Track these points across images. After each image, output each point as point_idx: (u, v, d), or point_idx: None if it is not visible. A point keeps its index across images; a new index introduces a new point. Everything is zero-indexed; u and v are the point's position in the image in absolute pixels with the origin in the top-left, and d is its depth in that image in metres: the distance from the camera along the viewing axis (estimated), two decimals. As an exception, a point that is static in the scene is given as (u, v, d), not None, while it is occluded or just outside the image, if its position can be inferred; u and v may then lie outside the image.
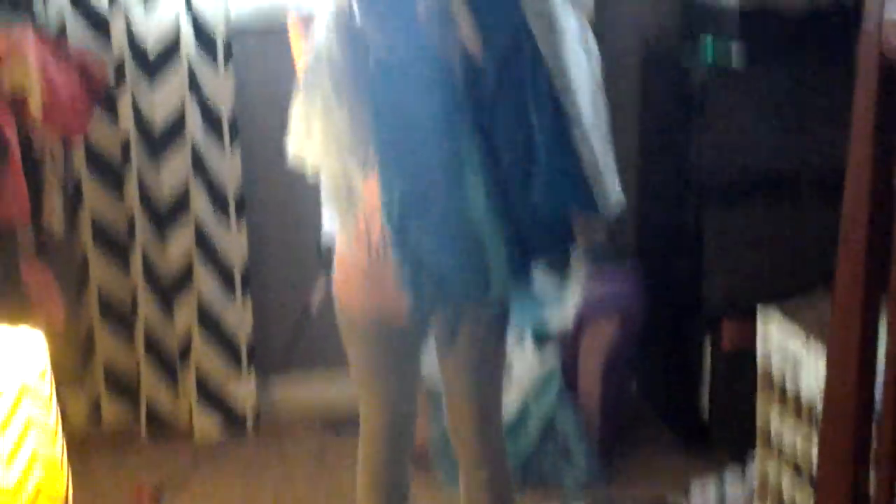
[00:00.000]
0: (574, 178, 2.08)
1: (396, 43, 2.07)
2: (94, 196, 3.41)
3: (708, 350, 3.27)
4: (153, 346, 3.51)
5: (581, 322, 3.06)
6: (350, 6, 2.07)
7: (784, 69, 3.18)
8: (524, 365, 3.16)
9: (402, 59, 2.07)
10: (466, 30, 2.05)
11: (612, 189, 2.12)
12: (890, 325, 1.63)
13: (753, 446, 2.97)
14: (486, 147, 2.05)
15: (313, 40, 2.11)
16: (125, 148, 3.35)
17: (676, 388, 3.49)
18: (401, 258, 2.08)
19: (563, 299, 2.19)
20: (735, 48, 3.17)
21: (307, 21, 2.19)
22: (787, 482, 2.83)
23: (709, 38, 3.28)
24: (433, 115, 2.05)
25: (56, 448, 1.75)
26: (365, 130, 2.07)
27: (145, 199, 3.41)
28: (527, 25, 2.05)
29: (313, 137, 2.10)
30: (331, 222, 2.29)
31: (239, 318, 3.52)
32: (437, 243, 2.07)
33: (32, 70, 2.88)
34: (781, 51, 3.19)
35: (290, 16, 2.25)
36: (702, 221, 3.23)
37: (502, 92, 2.06)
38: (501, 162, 2.07)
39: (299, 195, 3.51)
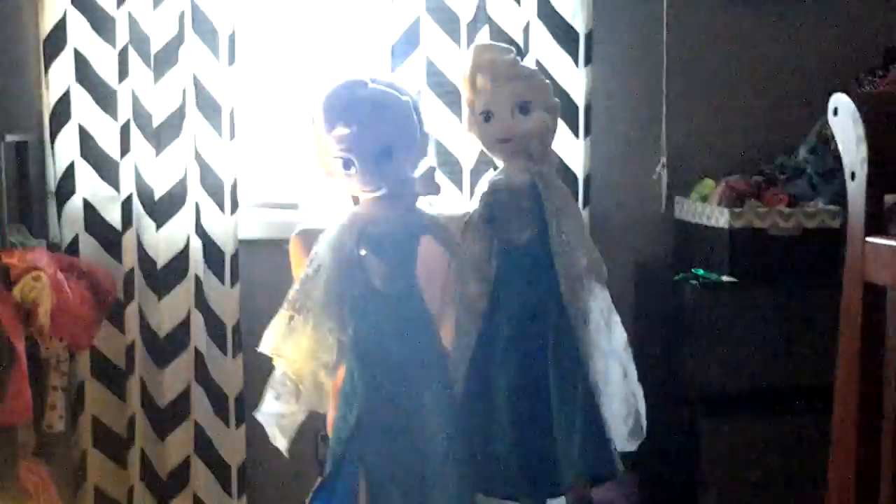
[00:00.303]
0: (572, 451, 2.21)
1: (394, 275, 2.23)
2: (97, 398, 3.46)
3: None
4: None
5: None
6: (355, 237, 2.22)
7: (774, 285, 3.29)
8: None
9: (398, 292, 2.23)
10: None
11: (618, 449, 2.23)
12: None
13: None
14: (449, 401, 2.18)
15: (314, 254, 2.24)
16: (129, 354, 3.43)
17: None
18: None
19: None
20: (726, 266, 3.29)
21: (308, 238, 2.34)
22: None
23: (700, 256, 3.42)
24: (409, 360, 2.20)
25: None
26: (342, 350, 2.22)
27: (147, 401, 3.46)
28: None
29: (292, 340, 2.23)
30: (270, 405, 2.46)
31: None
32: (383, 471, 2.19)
33: (45, 286, 2.99)
34: (771, 268, 3.30)
35: (295, 231, 2.40)
36: (696, 434, 3.28)
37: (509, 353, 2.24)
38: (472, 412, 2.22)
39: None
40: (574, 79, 3.49)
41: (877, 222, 1.69)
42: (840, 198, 3.30)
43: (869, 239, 1.67)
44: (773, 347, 3.27)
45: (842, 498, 1.74)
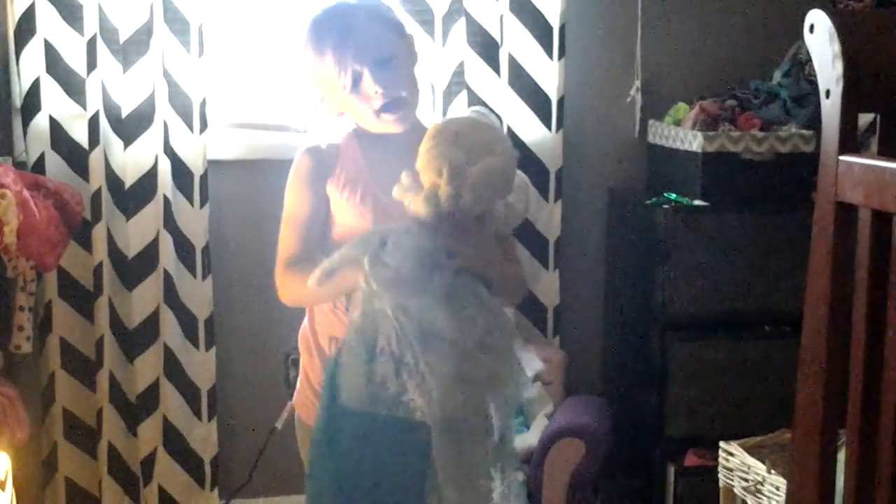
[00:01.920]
0: None
1: None
2: (64, 319, 3.44)
3: (671, 470, 3.30)
4: (116, 465, 3.49)
5: (546, 444, 3.09)
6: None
7: (746, 210, 3.29)
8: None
9: None
10: None
11: None
12: (848, 458, 1.68)
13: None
14: None
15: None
16: (97, 275, 3.40)
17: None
18: None
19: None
20: (698, 190, 3.28)
21: (318, 156, 2.26)
22: None
23: (673, 180, 3.41)
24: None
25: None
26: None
27: (115, 322, 3.43)
28: None
29: None
30: None
31: (204, 438, 3.52)
32: None
33: (11, 203, 2.94)
34: (743, 192, 3.30)
35: (303, 148, 2.30)
36: (666, 356, 3.29)
37: None
38: None
39: (268, 320, 3.58)
40: (549, 1, 3.45)
41: (851, 141, 1.67)
42: (813, 122, 3.29)
43: (842, 157, 1.66)
44: (744, 272, 3.28)
45: (810, 418, 1.75)
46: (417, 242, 2.08)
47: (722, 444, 2.95)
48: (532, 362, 2.17)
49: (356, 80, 2.18)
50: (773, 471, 2.73)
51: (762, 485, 2.75)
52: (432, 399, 2.04)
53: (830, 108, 1.69)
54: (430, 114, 3.47)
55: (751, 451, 2.87)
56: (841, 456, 1.73)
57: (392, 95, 2.20)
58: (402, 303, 2.05)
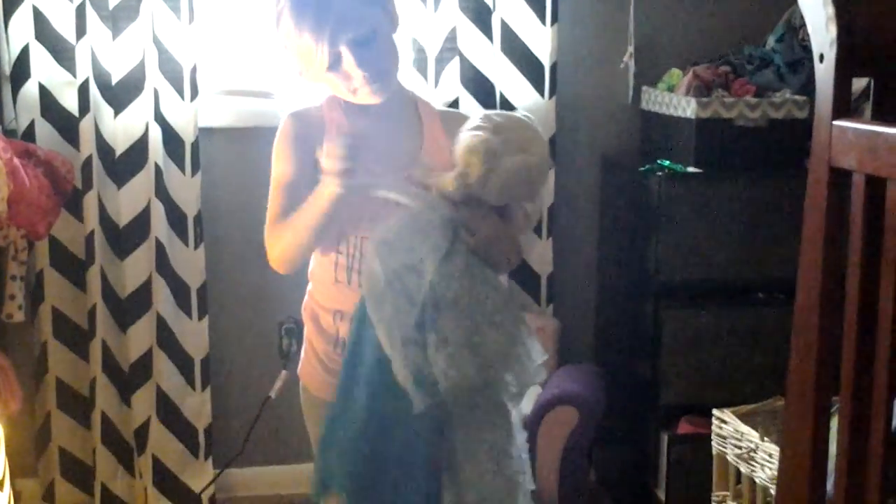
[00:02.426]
0: None
1: None
2: (56, 288, 3.42)
3: (665, 438, 3.31)
4: (110, 434, 3.49)
5: (540, 411, 3.09)
6: None
7: (739, 177, 3.28)
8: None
9: None
10: None
11: None
12: (840, 425, 1.68)
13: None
14: None
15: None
16: (89, 244, 3.38)
17: (634, 476, 3.51)
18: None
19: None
20: (691, 157, 3.27)
21: (301, 120, 2.24)
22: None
23: (666, 147, 3.40)
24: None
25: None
26: None
27: (108, 291, 3.42)
28: None
29: None
30: None
31: (198, 407, 3.51)
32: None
33: (1, 172, 2.92)
34: (736, 159, 3.29)
35: (287, 113, 2.28)
36: (659, 324, 3.29)
37: None
38: None
39: (261, 289, 3.57)
40: (542, -36, 3.43)
41: (844, 105, 1.66)
42: (807, 88, 3.28)
43: (836, 122, 1.64)
44: (738, 238, 3.28)
45: (802, 385, 1.74)
46: (441, 214, 2.10)
47: (715, 411, 2.96)
48: (538, 352, 2.19)
49: (335, 61, 2.15)
50: (766, 438, 2.74)
51: (755, 452, 2.76)
52: (449, 363, 2.05)
53: (824, 73, 1.68)
54: (422, 81, 3.44)
55: (744, 418, 2.88)
56: (834, 423, 1.72)
57: (373, 74, 2.17)
58: (419, 267, 2.06)
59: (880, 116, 1.72)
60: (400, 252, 2.08)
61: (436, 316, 2.07)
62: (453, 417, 2.12)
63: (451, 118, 2.36)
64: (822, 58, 1.68)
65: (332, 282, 2.26)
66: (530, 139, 2.15)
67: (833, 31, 1.64)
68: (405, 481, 2.12)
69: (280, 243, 2.22)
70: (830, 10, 1.63)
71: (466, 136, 2.12)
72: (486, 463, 2.14)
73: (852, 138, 1.61)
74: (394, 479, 2.12)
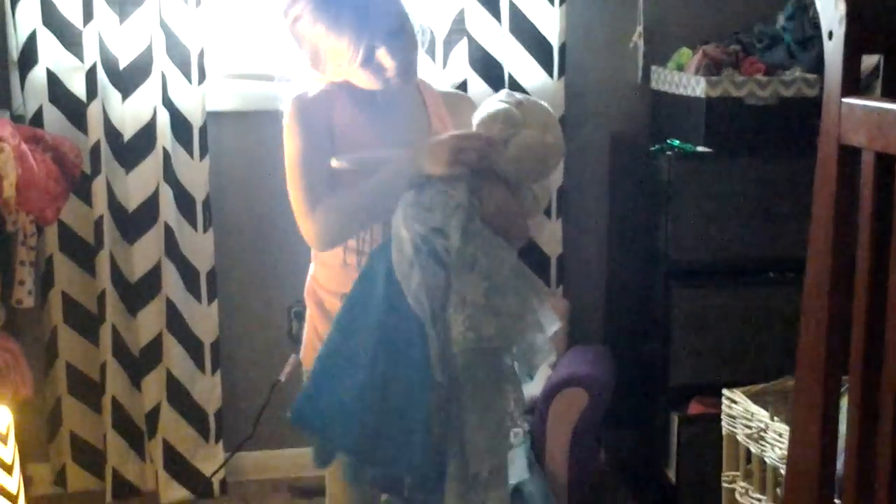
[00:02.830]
0: None
1: None
2: (66, 273, 3.43)
3: (675, 419, 3.30)
4: (120, 419, 3.50)
5: (550, 393, 3.09)
6: None
7: (749, 156, 3.26)
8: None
9: None
10: None
11: None
12: (850, 405, 1.67)
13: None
14: None
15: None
16: (98, 229, 3.38)
17: (644, 457, 3.51)
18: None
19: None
20: (702, 136, 3.25)
21: (305, 104, 2.23)
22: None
23: (676, 127, 3.38)
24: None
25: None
26: None
27: (117, 276, 3.42)
28: None
29: None
30: None
31: (208, 391, 3.52)
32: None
33: (9, 157, 2.92)
34: (747, 138, 3.27)
35: (293, 97, 2.26)
36: (669, 304, 3.28)
37: None
38: None
39: (270, 273, 3.57)
40: (549, -56, 3.41)
41: (854, 83, 1.65)
42: (818, 66, 3.25)
43: (845, 100, 1.63)
44: (748, 218, 3.26)
45: (812, 365, 1.73)
46: (461, 175, 2.09)
47: (725, 391, 2.94)
48: (551, 319, 2.18)
49: (369, 55, 2.15)
50: (776, 418, 2.73)
51: (765, 432, 2.75)
52: (468, 325, 2.04)
53: (833, 50, 1.67)
54: (430, 62, 3.43)
55: (754, 398, 2.87)
56: (843, 403, 1.72)
57: (404, 64, 2.18)
58: (445, 230, 2.06)
59: (890, 94, 1.71)
60: (425, 215, 2.07)
61: (455, 277, 2.07)
62: (464, 385, 2.11)
63: (454, 99, 2.37)
64: (830, 35, 1.67)
65: (340, 265, 2.25)
66: (550, 123, 2.17)
67: (842, 8, 1.63)
68: (410, 447, 2.08)
69: (328, 226, 2.16)
70: (839, -14, 1.62)
71: (489, 104, 2.15)
72: (495, 432, 2.13)
73: (861, 116, 1.60)
74: (398, 444, 2.08)
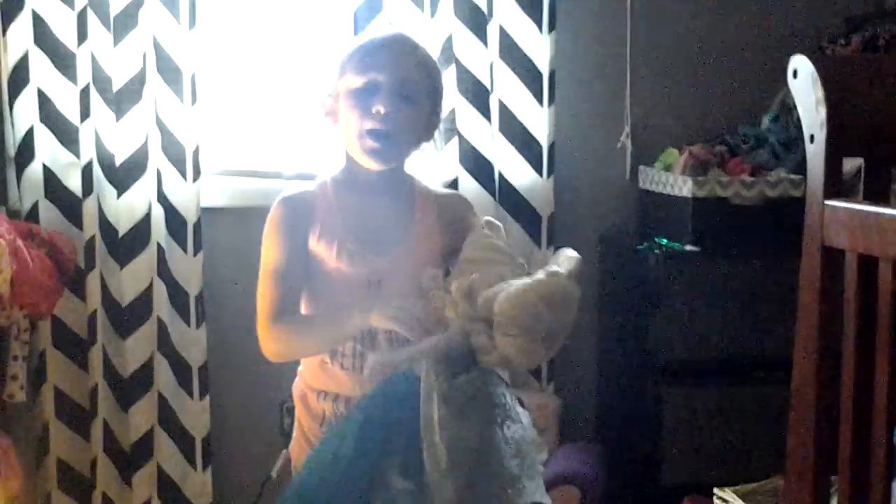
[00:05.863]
0: None
1: None
2: (58, 368, 3.43)
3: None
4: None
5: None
6: None
7: (736, 255, 3.30)
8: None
9: None
10: None
11: None
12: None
13: None
14: None
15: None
16: (91, 324, 3.40)
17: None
18: None
19: None
20: (689, 235, 3.29)
21: (291, 206, 2.25)
22: None
23: (663, 226, 3.42)
24: None
25: None
26: None
27: (109, 371, 3.43)
28: None
29: None
30: None
31: (199, 488, 3.50)
32: None
33: (3, 250, 2.95)
34: (733, 237, 3.31)
35: (279, 197, 2.28)
36: (660, 402, 3.29)
37: None
38: None
39: (262, 368, 3.56)
40: (538, 46, 3.48)
41: (835, 185, 1.68)
42: (802, 167, 3.29)
43: (828, 202, 1.67)
44: (735, 317, 3.29)
45: (801, 465, 1.74)
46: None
47: (716, 490, 2.94)
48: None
49: (367, 91, 2.17)
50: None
51: (757, 530, 2.74)
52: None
53: (815, 153, 1.71)
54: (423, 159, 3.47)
55: (746, 497, 2.86)
56: (833, 502, 1.72)
57: (388, 126, 2.18)
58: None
59: (872, 197, 1.74)
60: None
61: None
62: None
63: (451, 199, 2.38)
64: (812, 138, 1.71)
65: (318, 364, 2.27)
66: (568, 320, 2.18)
67: (822, 112, 1.67)
68: None
69: (279, 345, 2.24)
70: (819, 91, 1.67)
71: (519, 291, 2.06)
72: None
73: (844, 218, 1.63)
74: None
